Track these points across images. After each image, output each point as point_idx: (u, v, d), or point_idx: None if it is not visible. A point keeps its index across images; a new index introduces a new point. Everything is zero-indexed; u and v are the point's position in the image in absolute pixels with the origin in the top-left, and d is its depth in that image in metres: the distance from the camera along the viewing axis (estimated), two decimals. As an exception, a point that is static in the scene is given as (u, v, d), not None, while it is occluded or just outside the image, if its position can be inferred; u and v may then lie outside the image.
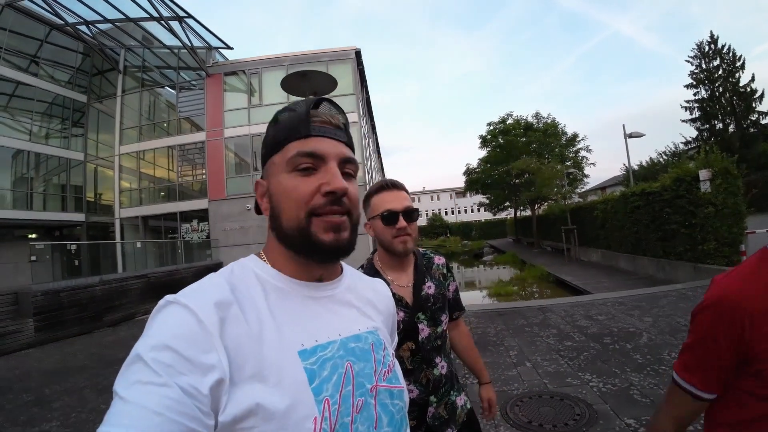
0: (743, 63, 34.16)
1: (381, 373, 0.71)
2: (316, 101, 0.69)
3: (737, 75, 34.26)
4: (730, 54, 34.53)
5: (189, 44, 14.82)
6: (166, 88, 17.60)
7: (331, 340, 0.66)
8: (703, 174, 8.59)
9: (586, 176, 30.83)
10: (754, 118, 33.67)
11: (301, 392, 0.58)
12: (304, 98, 0.70)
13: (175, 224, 15.83)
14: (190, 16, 13.79)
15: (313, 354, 0.62)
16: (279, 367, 0.58)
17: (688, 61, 36.40)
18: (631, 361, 4.03)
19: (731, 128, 34.40)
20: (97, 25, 15.38)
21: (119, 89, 17.01)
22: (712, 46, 35.26)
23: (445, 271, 1.65)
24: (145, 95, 17.24)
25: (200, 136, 15.95)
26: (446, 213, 64.23)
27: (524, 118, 30.65)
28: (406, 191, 1.51)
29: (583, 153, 30.38)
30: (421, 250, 1.66)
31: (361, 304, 0.77)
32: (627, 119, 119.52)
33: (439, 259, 1.66)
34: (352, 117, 15.07)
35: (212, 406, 0.53)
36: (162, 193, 16.70)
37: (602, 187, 41.93)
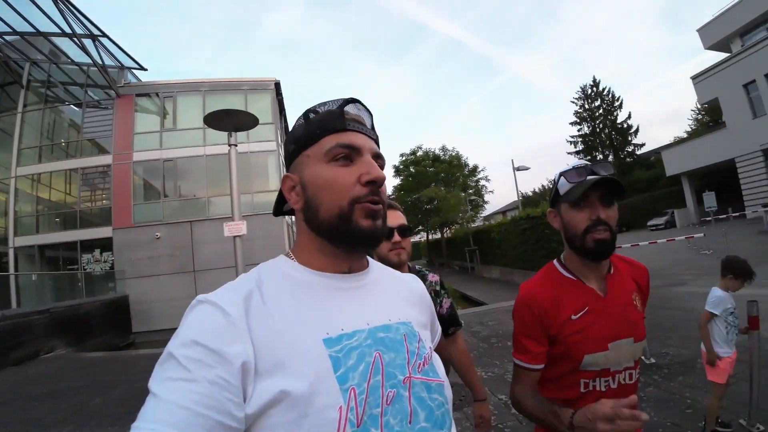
0: (621, 103, 39.83)
1: (415, 365, 0.68)
2: (346, 100, 0.72)
3: (615, 113, 39.79)
4: (610, 95, 40.13)
5: (101, 62, 14.01)
6: (72, 106, 16.35)
7: (357, 329, 0.65)
8: None
9: (486, 202, 34.82)
10: (630, 150, 39.38)
11: (325, 380, 0.57)
12: (332, 99, 0.74)
13: (75, 254, 14.54)
14: (104, 35, 13.19)
15: (338, 342, 0.62)
16: (303, 354, 0.59)
17: (573, 102, 41.68)
18: (509, 355, 5.00)
19: (610, 158, 39.54)
20: (3, 36, 14.10)
21: (20, 105, 15.47)
22: (595, 89, 40.69)
23: (438, 288, 1.77)
24: (47, 113, 15.85)
25: (106, 159, 14.85)
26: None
27: (432, 150, 34.53)
28: (401, 211, 1.69)
29: (483, 182, 34.50)
30: (416, 266, 1.81)
31: (391, 296, 0.77)
32: (527, 149, 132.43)
33: (432, 277, 1.79)
34: (269, 146, 15.28)
35: (242, 396, 0.55)
36: (57, 220, 15.33)
37: (503, 211, 46.35)
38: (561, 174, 1.20)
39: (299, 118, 0.75)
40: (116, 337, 12.50)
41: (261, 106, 15.59)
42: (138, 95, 15.50)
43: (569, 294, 1.16)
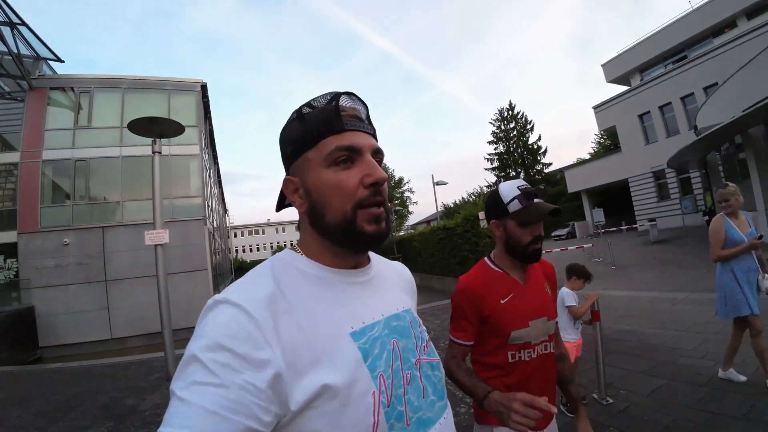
0: (532, 126, 43.36)
1: (421, 348, 0.76)
2: (339, 94, 0.71)
3: (528, 135, 43.24)
4: (523, 119, 43.44)
5: (16, 51, 12.41)
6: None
7: (376, 321, 0.70)
8: (481, 215, 11.33)
9: (411, 213, 36.17)
10: (539, 168, 42.93)
11: (359, 370, 0.62)
12: (324, 93, 0.73)
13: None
14: (23, 23, 11.89)
15: (362, 335, 0.66)
16: (335, 350, 0.62)
17: (491, 123, 44.62)
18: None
19: (522, 176, 42.95)
20: None
21: None
22: (510, 112, 43.87)
23: None
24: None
25: (12, 157, 13.16)
26: (291, 245, 64.50)
27: None
28: None
29: (408, 194, 35.94)
30: None
31: (392, 286, 0.83)
32: (450, 162, 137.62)
33: None
34: (193, 149, 14.60)
35: (275, 400, 0.55)
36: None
37: (428, 221, 48.36)
38: (513, 197, 1.42)
39: (293, 115, 0.74)
40: (21, 352, 11.06)
41: (185, 108, 14.95)
42: (52, 88, 13.97)
43: (498, 283, 1.44)
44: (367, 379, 0.62)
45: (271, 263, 0.71)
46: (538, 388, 1.40)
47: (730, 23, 20.89)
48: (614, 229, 22.89)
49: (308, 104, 0.72)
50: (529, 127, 43.53)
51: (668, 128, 22.21)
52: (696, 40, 22.49)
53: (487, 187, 45.63)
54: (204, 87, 15.92)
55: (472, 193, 48.44)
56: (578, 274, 3.58)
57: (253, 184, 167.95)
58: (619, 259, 12.82)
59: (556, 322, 1.53)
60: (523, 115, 43.59)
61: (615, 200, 28.60)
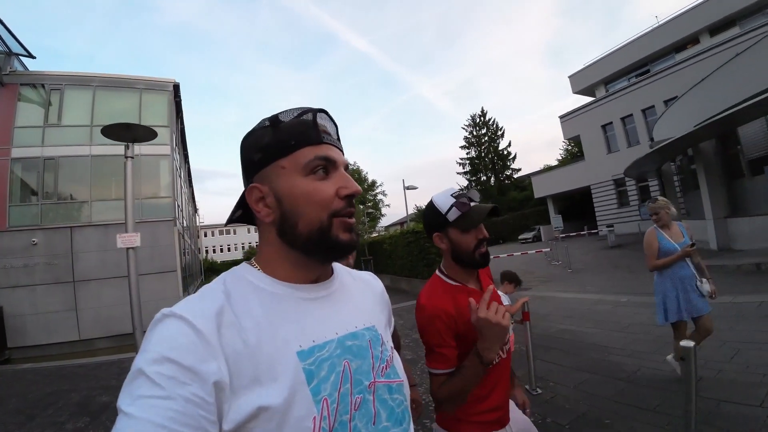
0: (503, 132, 44.59)
1: (379, 369, 0.72)
2: (315, 111, 0.72)
3: (498, 141, 44.46)
4: (494, 125, 44.66)
5: None
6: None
7: (328, 340, 0.67)
8: None
9: (383, 215, 36.79)
10: (508, 173, 44.21)
11: (300, 392, 0.60)
12: (296, 107, 0.73)
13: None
14: None
15: (310, 354, 0.63)
16: (278, 369, 0.60)
17: (464, 128, 45.72)
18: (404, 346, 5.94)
19: (492, 180, 44.18)
20: None
21: None
22: (482, 118, 45.01)
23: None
24: None
25: None
26: (248, 260, 63.77)
27: None
28: None
29: (380, 196, 36.55)
30: None
31: (356, 301, 0.78)
32: (424, 164, 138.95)
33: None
34: (163, 150, 14.47)
35: (216, 414, 0.54)
36: None
37: (401, 223, 49.07)
38: (450, 205, 1.39)
39: (263, 122, 0.72)
40: (-10, 353, 10.84)
41: (156, 108, 14.86)
42: (23, 85, 13.60)
43: (461, 297, 1.35)
44: (308, 403, 0.60)
45: (225, 277, 0.70)
46: (503, 382, 1.43)
47: (693, 39, 22.04)
48: (574, 234, 24.08)
49: (280, 116, 0.71)
50: (499, 133, 44.79)
51: (629, 139, 23.42)
52: (659, 55, 23.70)
53: (460, 190, 47.00)
54: (176, 87, 15.86)
55: (427, 207, 50.18)
56: (510, 279, 4.23)
57: (224, 182, 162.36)
58: (576, 263, 13.53)
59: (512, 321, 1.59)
60: (494, 121, 44.86)
61: (579, 206, 29.86)
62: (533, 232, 29.43)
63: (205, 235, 60.06)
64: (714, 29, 21.03)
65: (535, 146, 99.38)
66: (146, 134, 7.13)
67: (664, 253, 3.58)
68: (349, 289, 0.80)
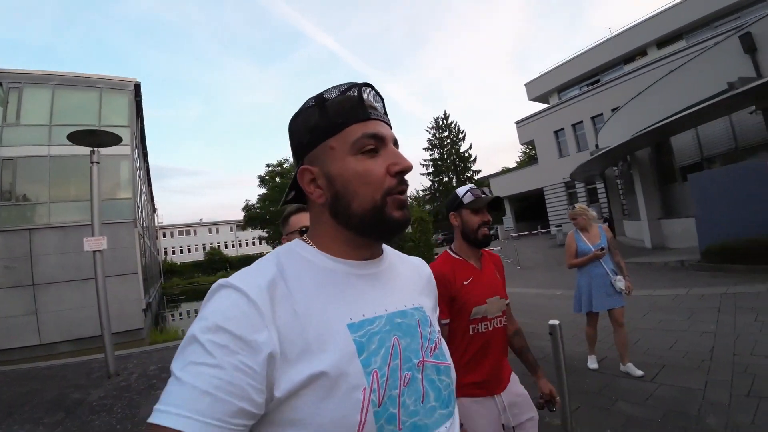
0: (464, 135, 45.87)
1: (428, 349, 0.72)
2: (361, 85, 0.71)
3: (459, 144, 45.70)
4: (456, 128, 45.87)
5: None
6: None
7: (377, 315, 0.68)
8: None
9: None
10: (469, 175, 45.36)
11: (351, 363, 0.60)
12: (340, 84, 0.72)
13: None
14: None
15: (360, 328, 0.64)
16: (329, 339, 0.61)
17: (427, 131, 46.77)
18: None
19: (454, 181, 45.40)
20: None
21: None
22: (445, 121, 46.19)
23: None
24: None
25: None
26: (226, 246, 60.83)
27: None
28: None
29: None
30: None
31: (404, 281, 0.80)
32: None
33: None
34: (124, 150, 14.15)
35: (266, 383, 0.56)
36: None
37: None
38: (466, 191, 1.84)
39: (308, 102, 0.73)
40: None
41: (117, 107, 14.68)
42: None
43: (460, 269, 1.76)
44: (359, 374, 0.60)
45: (278, 251, 0.71)
46: (493, 356, 1.73)
47: (641, 51, 23.49)
48: (526, 233, 25.40)
49: (325, 95, 0.71)
50: (461, 136, 46.00)
51: (579, 144, 24.81)
52: (609, 66, 25.18)
53: (422, 191, 47.92)
54: (137, 86, 15.67)
55: (410, 195, 50.87)
56: None
57: (184, 180, 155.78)
58: (526, 260, 14.47)
59: (508, 303, 1.85)
60: (456, 124, 46.05)
61: (534, 206, 31.31)
62: (492, 231, 30.64)
63: (164, 236, 57.70)
64: (661, 42, 22.48)
65: (497, 148, 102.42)
66: (111, 140, 7.37)
67: (581, 253, 4.11)
68: (398, 269, 0.81)
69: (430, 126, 47.25)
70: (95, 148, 7.27)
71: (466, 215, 1.80)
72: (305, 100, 0.74)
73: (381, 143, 0.69)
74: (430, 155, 46.85)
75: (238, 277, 0.63)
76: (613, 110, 20.89)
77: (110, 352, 6.81)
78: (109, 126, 13.44)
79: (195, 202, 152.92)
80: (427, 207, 47.35)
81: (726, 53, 9.62)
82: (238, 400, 0.53)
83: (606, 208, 20.40)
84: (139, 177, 18.63)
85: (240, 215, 38.59)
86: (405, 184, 0.71)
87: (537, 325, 5.69)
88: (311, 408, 0.57)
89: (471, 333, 1.71)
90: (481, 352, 1.71)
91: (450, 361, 0.77)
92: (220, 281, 0.62)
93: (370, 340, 0.64)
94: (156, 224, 42.32)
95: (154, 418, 0.52)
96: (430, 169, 46.76)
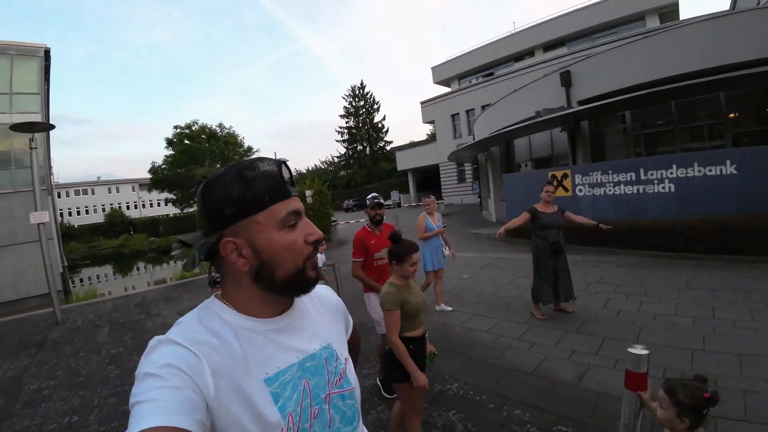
0: (379, 106, 48.33)
1: (333, 383, 0.86)
2: (279, 164, 0.81)
3: (374, 114, 48.03)
4: (371, 98, 48.01)
5: None
6: None
7: (290, 364, 0.80)
8: (308, 192, 15.26)
9: None
10: (381, 145, 48.11)
11: (269, 411, 0.72)
12: (256, 158, 0.80)
13: None
14: None
15: (276, 380, 0.76)
16: (251, 393, 0.72)
17: (344, 98, 48.51)
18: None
19: (368, 150, 47.91)
20: None
21: None
22: (361, 90, 48.05)
23: None
24: None
25: None
26: (128, 207, 56.72)
27: (210, 126, 35.68)
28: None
29: None
30: None
31: (314, 323, 0.91)
32: (308, 126, 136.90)
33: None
34: (34, 117, 14.20)
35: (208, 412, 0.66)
36: None
37: None
38: (370, 198, 3.71)
39: (227, 173, 0.78)
40: None
41: (27, 73, 15.01)
42: None
43: (370, 235, 3.63)
44: (277, 419, 0.72)
45: (199, 313, 0.79)
46: (384, 276, 3.35)
47: (529, 52, 27.08)
48: (416, 204, 28.63)
49: (244, 169, 0.77)
50: (375, 107, 48.26)
51: (470, 128, 28.06)
52: (503, 61, 28.62)
53: (337, 158, 49.76)
54: (47, 52, 15.86)
55: (324, 161, 52.88)
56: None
57: (74, 130, 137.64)
58: (409, 226, 17.40)
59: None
60: (372, 95, 48.22)
61: (433, 179, 34.62)
62: (395, 200, 33.68)
63: (59, 196, 52.18)
64: (547, 46, 26.26)
65: (410, 121, 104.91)
66: (46, 128, 8.86)
67: (428, 230, 5.66)
68: (308, 311, 0.92)
69: (347, 94, 48.86)
70: (34, 136, 8.74)
71: (370, 212, 3.68)
72: (219, 169, 0.81)
73: (299, 217, 0.81)
74: (346, 122, 48.66)
75: (173, 334, 0.73)
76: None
77: (57, 304, 8.71)
78: (20, 94, 13.98)
79: (87, 156, 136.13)
80: (342, 173, 49.56)
81: (551, 83, 12.73)
82: (198, 414, 0.63)
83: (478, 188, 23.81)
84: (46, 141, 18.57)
85: (142, 174, 37.50)
86: (316, 248, 0.83)
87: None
88: None
89: (375, 265, 3.60)
90: (378, 273, 3.58)
91: (354, 384, 0.92)
92: (157, 338, 0.71)
93: (284, 388, 0.77)
94: (53, 184, 39.36)
95: (132, 430, 0.57)
96: (345, 137, 48.57)
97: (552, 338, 4.49)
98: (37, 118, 14.91)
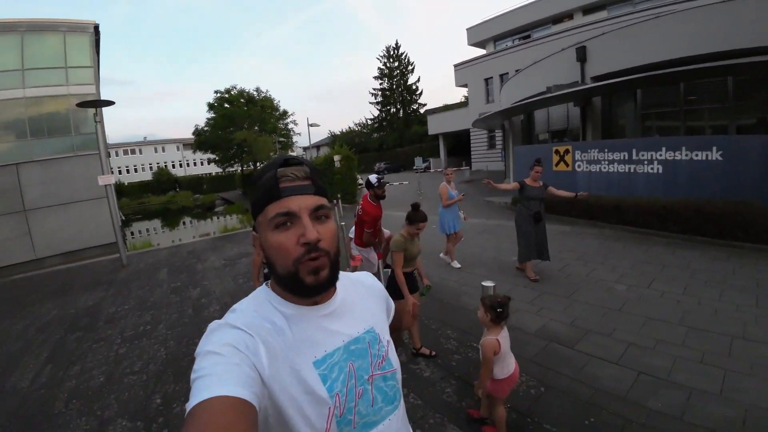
0: (414, 68, 47.32)
1: (376, 365, 0.91)
2: (283, 162, 0.84)
3: (408, 76, 47.26)
4: (406, 59, 47.09)
5: None
6: None
7: (336, 348, 0.85)
8: (336, 158, 16.48)
9: (295, 142, 39.96)
10: (415, 107, 47.58)
11: (319, 392, 0.78)
12: (273, 160, 0.86)
13: None
14: None
15: (323, 362, 0.82)
16: (301, 375, 0.78)
17: (378, 59, 47.94)
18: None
19: (401, 113, 47.65)
20: None
21: None
22: (396, 51, 47.10)
23: None
24: None
25: None
26: (173, 166, 59.49)
27: (247, 91, 37.28)
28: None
29: (291, 125, 39.31)
30: None
31: (357, 308, 0.96)
32: (342, 86, 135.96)
33: None
34: (89, 89, 15.78)
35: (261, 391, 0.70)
36: None
37: (318, 146, 53.52)
38: (375, 178, 4.52)
39: (253, 175, 0.88)
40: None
41: (79, 49, 16.20)
42: None
43: (376, 209, 4.48)
44: (325, 397, 0.78)
45: (254, 302, 0.87)
46: (381, 237, 4.66)
47: (568, 15, 25.67)
48: (455, 168, 28.63)
49: (262, 171, 0.85)
50: (410, 68, 47.30)
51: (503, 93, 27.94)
52: (540, 23, 27.28)
53: (371, 120, 49.98)
54: (96, 27, 16.96)
55: (358, 124, 52.66)
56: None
57: (118, 91, 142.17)
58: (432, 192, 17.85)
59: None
60: (406, 56, 47.18)
61: (464, 144, 34.28)
62: (426, 164, 33.78)
63: (109, 156, 54.06)
64: (587, 9, 24.82)
65: (445, 83, 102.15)
66: (107, 103, 10.25)
67: (450, 198, 6.44)
68: (351, 298, 0.96)
69: (382, 55, 48.16)
70: (98, 110, 10.16)
71: (377, 189, 4.43)
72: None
73: (293, 217, 0.80)
74: (380, 84, 48.01)
75: (230, 318, 0.80)
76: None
77: (123, 250, 10.48)
78: (75, 67, 15.41)
79: (132, 116, 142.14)
80: (375, 135, 49.90)
81: (567, 59, 12.87)
82: (256, 385, 0.68)
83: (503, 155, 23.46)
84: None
85: (186, 134, 39.55)
86: (315, 251, 0.80)
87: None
88: (293, 414, 0.76)
89: (376, 228, 4.51)
90: (375, 233, 4.52)
91: (395, 366, 0.96)
92: (216, 322, 0.79)
93: (331, 370, 0.82)
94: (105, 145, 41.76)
95: (193, 400, 0.61)
96: (379, 99, 48.14)
97: (503, 290, 5.04)
98: (92, 89, 16.29)
